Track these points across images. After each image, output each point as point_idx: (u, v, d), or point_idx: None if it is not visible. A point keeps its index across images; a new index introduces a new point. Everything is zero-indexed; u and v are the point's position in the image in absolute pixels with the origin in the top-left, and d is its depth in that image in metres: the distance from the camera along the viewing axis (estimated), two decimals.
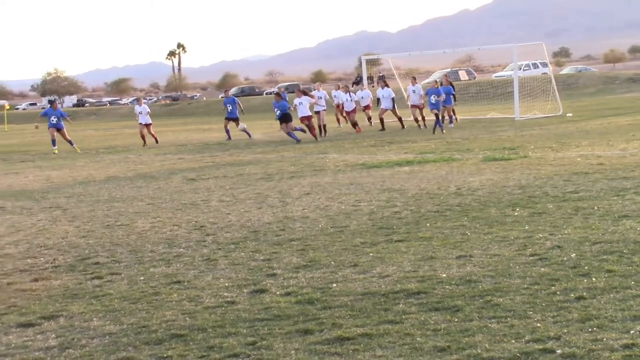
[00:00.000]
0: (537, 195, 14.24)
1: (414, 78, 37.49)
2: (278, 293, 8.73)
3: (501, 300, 7.86)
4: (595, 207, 12.56)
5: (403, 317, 7.57)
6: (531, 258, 9.55)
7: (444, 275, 9.02)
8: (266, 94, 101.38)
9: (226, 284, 9.27)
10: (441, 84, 35.57)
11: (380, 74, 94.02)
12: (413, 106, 35.50)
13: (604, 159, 18.83)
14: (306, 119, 32.62)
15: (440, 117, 32.54)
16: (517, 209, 12.88)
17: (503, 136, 28.23)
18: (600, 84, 72.12)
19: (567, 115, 37.92)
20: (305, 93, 34.12)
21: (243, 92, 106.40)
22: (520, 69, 54.99)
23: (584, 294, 7.87)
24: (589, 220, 11.63)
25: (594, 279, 8.40)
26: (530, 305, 7.63)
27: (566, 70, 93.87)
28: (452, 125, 35.61)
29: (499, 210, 12.98)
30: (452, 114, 36.79)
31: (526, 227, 11.39)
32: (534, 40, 63.66)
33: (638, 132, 25.39)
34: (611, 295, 7.77)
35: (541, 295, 7.92)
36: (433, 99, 32.52)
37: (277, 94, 34.15)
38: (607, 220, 11.54)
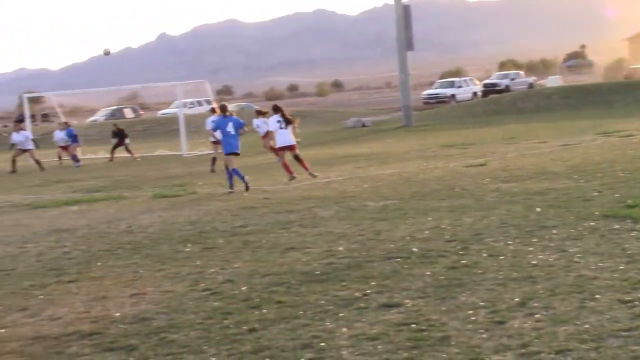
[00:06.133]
0: (207, 230, 14.46)
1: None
2: None
3: (176, 336, 7.92)
4: (264, 240, 12.97)
5: (77, 359, 7.41)
6: (204, 293, 9.70)
7: (118, 314, 8.94)
8: None
9: None
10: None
11: (44, 112, 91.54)
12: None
13: (270, 193, 19.49)
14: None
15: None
16: (189, 245, 13.02)
17: (172, 173, 28.42)
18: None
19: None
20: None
21: None
22: (185, 106, 55.71)
23: (256, 325, 8.11)
24: (258, 253, 11.99)
25: (264, 310, 8.67)
26: (205, 339, 7.75)
27: (232, 107, 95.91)
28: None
29: (171, 246, 13.06)
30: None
31: (198, 263, 11.54)
32: (196, 77, 64.66)
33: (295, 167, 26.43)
34: (281, 326, 8.06)
35: (215, 329, 8.07)
36: None
37: None
38: (275, 252, 11.95)
